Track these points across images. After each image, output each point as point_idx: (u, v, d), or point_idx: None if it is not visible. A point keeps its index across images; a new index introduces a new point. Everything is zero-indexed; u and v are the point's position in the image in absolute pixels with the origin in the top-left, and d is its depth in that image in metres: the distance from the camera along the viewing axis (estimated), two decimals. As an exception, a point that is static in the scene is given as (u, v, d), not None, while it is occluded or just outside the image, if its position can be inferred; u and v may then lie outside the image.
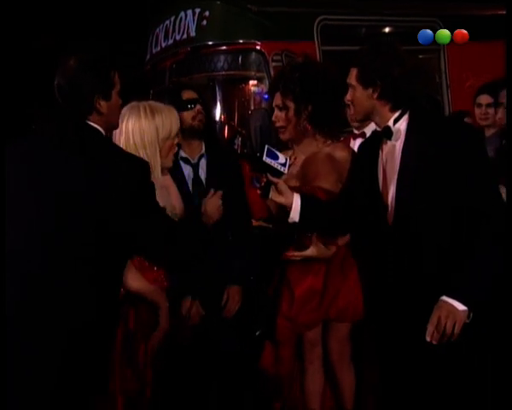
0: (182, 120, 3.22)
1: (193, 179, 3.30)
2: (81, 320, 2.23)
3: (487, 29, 5.00)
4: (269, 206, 3.09)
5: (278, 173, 2.71)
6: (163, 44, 5.32)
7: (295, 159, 3.15)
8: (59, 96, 2.36)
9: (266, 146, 2.73)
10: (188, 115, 3.27)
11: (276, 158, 2.71)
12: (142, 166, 2.35)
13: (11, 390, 2.19)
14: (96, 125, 2.35)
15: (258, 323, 3.32)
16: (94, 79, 2.33)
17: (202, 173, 3.33)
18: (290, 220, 2.73)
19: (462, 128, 2.59)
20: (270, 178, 2.69)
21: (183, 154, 3.32)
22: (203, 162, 3.35)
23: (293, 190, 3.03)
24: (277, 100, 3.16)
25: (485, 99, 4.22)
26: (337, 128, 3.19)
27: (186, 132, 3.28)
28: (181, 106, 3.23)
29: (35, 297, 2.21)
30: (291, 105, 3.10)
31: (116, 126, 2.54)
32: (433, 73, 5.33)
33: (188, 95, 3.32)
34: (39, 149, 2.36)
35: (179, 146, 3.24)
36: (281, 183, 2.72)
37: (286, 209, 2.72)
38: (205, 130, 3.34)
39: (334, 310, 3.12)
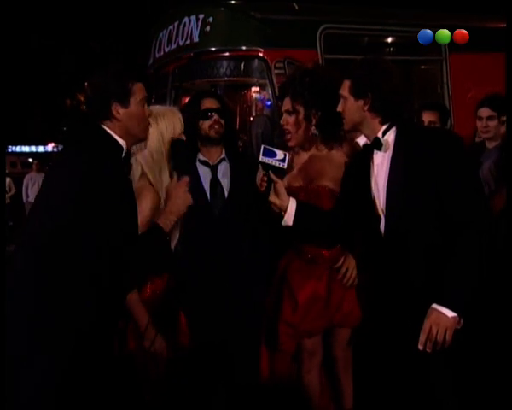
0: (199, 128, 3.31)
1: (210, 180, 3.35)
2: (82, 319, 2.24)
3: (490, 41, 5.02)
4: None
5: (279, 170, 2.74)
6: (166, 49, 5.34)
7: (296, 154, 3.19)
8: (85, 100, 2.55)
9: (262, 146, 2.77)
10: (205, 124, 3.33)
11: (274, 155, 2.75)
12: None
13: (11, 388, 2.20)
14: (108, 130, 2.42)
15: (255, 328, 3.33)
16: (111, 85, 2.44)
17: (221, 176, 3.38)
18: (284, 223, 2.77)
19: (443, 136, 2.64)
20: (271, 175, 2.72)
21: (201, 157, 3.37)
22: (223, 166, 3.40)
23: (298, 189, 3.08)
24: (287, 105, 3.19)
25: (485, 112, 4.22)
26: (343, 134, 3.21)
27: (203, 140, 3.33)
28: (198, 115, 3.32)
29: (36, 296, 2.23)
30: (300, 109, 3.13)
31: (142, 137, 2.58)
32: (435, 84, 5.35)
33: (208, 104, 3.37)
34: (59, 152, 2.51)
35: (198, 150, 3.31)
36: (279, 183, 2.75)
37: (281, 212, 2.74)
38: (224, 137, 3.37)
39: (339, 315, 3.13)
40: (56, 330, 2.21)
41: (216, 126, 3.32)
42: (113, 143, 2.44)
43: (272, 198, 2.75)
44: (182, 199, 2.61)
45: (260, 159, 2.74)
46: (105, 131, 2.42)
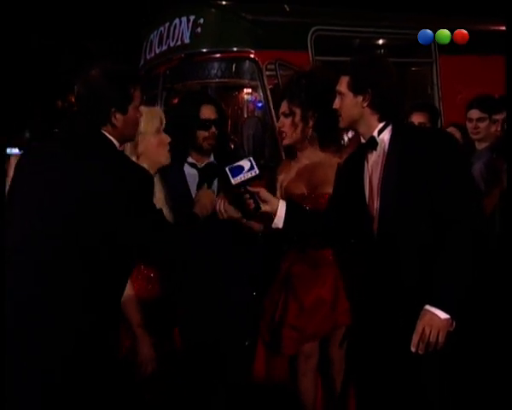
0: (194, 136, 3.28)
1: (198, 183, 3.31)
2: (81, 321, 2.23)
3: (480, 43, 5.05)
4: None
5: (255, 179, 2.67)
6: (157, 50, 5.34)
7: (295, 162, 3.18)
8: (77, 103, 2.42)
9: (226, 169, 2.66)
10: (201, 135, 3.29)
11: (242, 169, 2.66)
12: (144, 176, 2.37)
13: (10, 390, 2.20)
14: (108, 135, 2.38)
15: (249, 332, 3.32)
16: (112, 91, 2.37)
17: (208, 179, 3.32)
18: (274, 226, 2.73)
19: (435, 135, 2.65)
20: (251, 189, 2.66)
21: (190, 159, 3.36)
22: (211, 169, 3.37)
23: (301, 197, 3.09)
24: (284, 107, 3.18)
25: (475, 113, 4.24)
26: (341, 136, 3.20)
27: (194, 146, 3.32)
28: (196, 124, 3.28)
29: (36, 297, 2.22)
30: (297, 111, 3.12)
31: (131, 139, 2.58)
32: (425, 85, 5.38)
33: (207, 113, 3.31)
34: (50, 153, 2.39)
35: (188, 152, 3.29)
36: (262, 191, 2.72)
37: (271, 216, 2.73)
38: (215, 145, 3.35)
39: (344, 316, 3.11)
40: (56, 330, 2.21)
41: (211, 139, 3.31)
42: (115, 148, 2.42)
43: (264, 208, 2.71)
44: (209, 199, 2.83)
45: (233, 182, 2.64)
46: (106, 136, 2.38)
